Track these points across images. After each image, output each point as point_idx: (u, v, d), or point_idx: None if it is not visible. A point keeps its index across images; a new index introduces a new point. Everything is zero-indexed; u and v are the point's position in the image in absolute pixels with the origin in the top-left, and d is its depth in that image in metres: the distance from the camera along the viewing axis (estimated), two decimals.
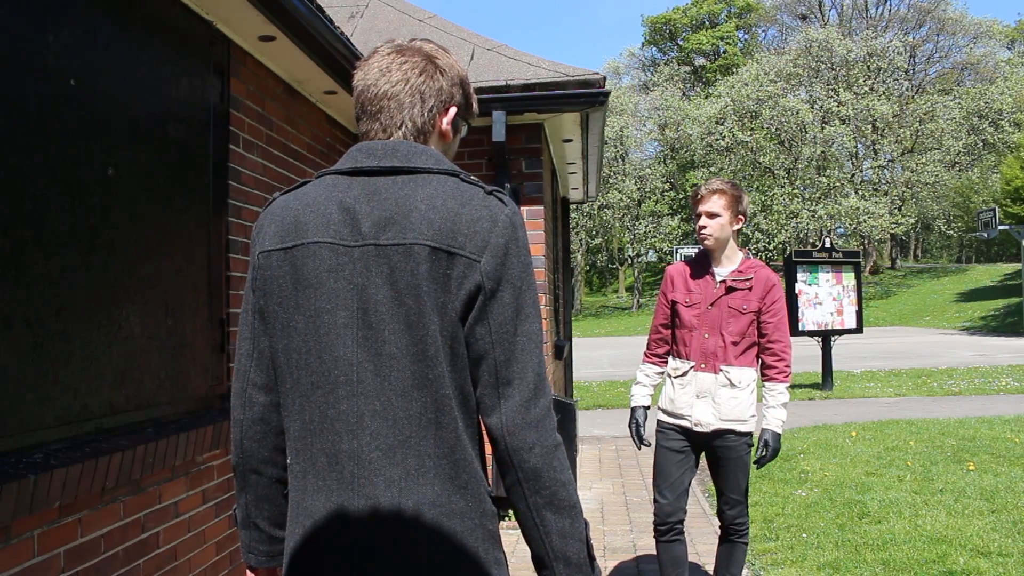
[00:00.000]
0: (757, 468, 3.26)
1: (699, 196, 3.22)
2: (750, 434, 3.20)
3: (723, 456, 3.22)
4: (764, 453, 3.17)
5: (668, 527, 3.25)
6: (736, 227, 3.21)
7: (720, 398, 3.16)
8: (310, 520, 1.23)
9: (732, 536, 3.32)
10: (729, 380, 3.16)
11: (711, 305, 3.20)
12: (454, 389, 1.22)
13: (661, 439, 3.32)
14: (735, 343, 3.16)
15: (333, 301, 1.23)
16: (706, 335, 3.20)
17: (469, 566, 1.21)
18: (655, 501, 3.29)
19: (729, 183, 3.22)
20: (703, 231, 3.20)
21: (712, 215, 3.17)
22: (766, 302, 3.17)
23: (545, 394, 1.25)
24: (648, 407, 3.44)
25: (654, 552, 3.72)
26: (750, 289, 3.16)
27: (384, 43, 1.37)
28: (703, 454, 3.34)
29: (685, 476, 3.27)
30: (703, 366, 3.20)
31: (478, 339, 1.22)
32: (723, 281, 3.21)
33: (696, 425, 3.21)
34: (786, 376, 3.18)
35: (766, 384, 3.22)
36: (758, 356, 3.23)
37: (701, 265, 3.29)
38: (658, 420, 3.36)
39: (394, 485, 1.20)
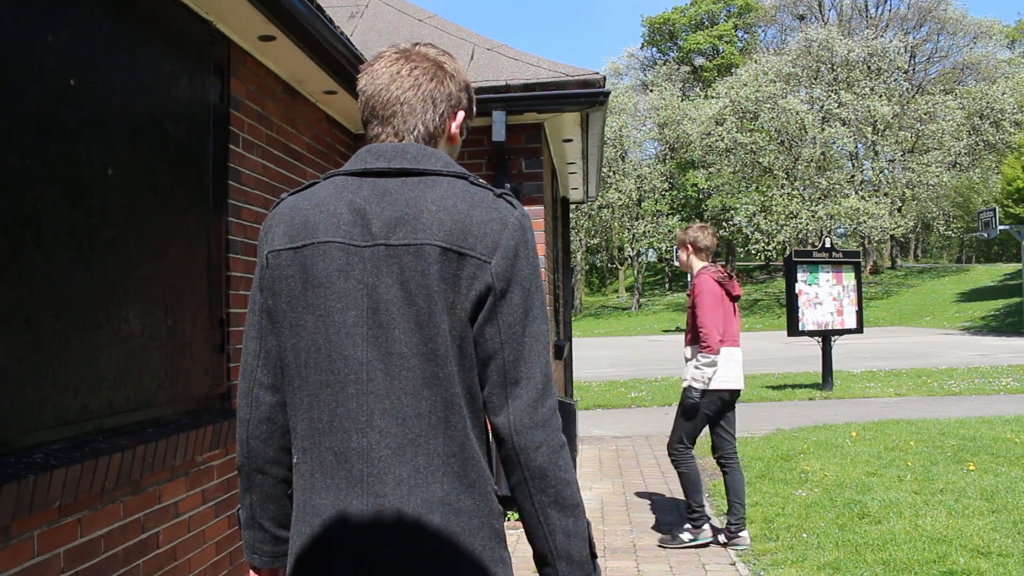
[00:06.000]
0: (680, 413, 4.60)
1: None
2: (690, 387, 4.54)
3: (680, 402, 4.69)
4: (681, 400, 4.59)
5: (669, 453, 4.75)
6: (690, 253, 4.68)
7: (686, 367, 4.63)
8: (318, 519, 1.23)
9: (722, 467, 4.62)
10: (685, 357, 4.65)
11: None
12: (463, 388, 1.23)
13: None
14: (689, 332, 4.62)
15: (343, 300, 1.24)
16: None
17: (476, 564, 1.22)
18: None
19: (681, 230, 4.78)
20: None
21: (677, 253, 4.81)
22: (693, 296, 4.55)
23: (552, 394, 1.27)
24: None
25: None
26: (690, 293, 4.60)
27: (387, 47, 1.39)
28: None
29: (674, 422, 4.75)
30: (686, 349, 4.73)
31: (487, 339, 1.23)
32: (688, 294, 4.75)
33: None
34: (709, 348, 4.40)
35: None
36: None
37: None
38: None
39: (403, 483, 1.21)
